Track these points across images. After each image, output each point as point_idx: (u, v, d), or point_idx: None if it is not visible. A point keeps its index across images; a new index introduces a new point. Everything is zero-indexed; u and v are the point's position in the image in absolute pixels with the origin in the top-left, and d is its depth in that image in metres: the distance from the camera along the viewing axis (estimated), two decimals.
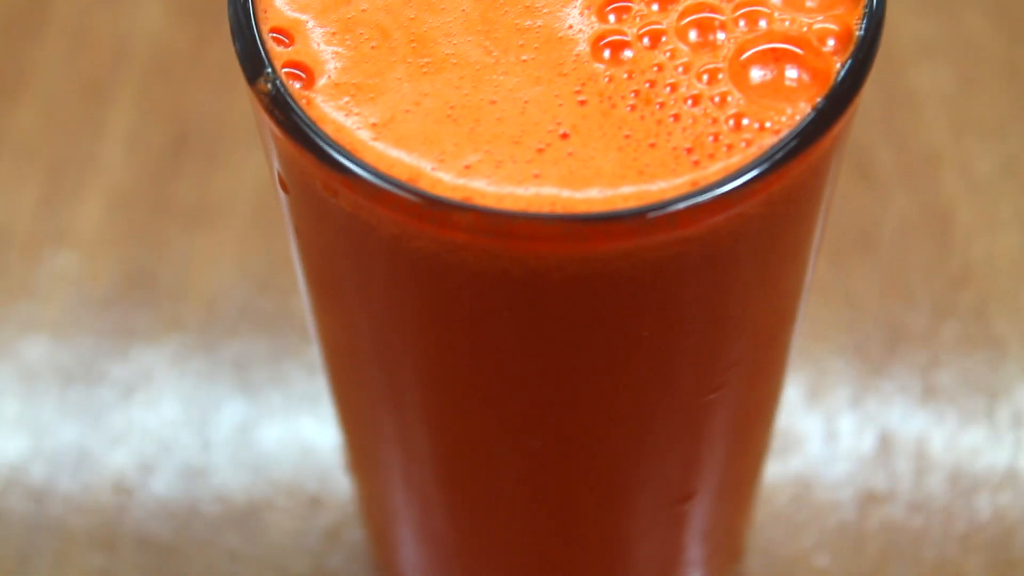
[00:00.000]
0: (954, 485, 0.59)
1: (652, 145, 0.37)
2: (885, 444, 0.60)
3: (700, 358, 0.41)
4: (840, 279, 0.64)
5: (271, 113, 0.37)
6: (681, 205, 0.36)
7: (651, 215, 0.36)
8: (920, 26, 0.72)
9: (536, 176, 0.36)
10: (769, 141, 0.37)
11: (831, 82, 0.37)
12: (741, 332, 0.42)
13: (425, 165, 0.37)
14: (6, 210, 0.68)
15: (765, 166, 0.36)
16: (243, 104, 0.71)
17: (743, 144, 0.37)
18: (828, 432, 0.61)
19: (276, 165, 0.40)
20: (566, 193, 0.36)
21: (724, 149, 0.37)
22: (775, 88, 0.38)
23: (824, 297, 0.64)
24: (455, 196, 0.36)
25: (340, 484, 0.60)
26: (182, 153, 0.69)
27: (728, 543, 0.54)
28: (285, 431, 0.62)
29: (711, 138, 0.37)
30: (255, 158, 0.69)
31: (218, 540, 0.59)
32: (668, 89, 0.38)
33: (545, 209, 0.36)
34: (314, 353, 0.62)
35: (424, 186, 0.36)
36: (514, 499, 0.47)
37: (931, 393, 0.61)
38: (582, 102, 0.37)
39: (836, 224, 0.65)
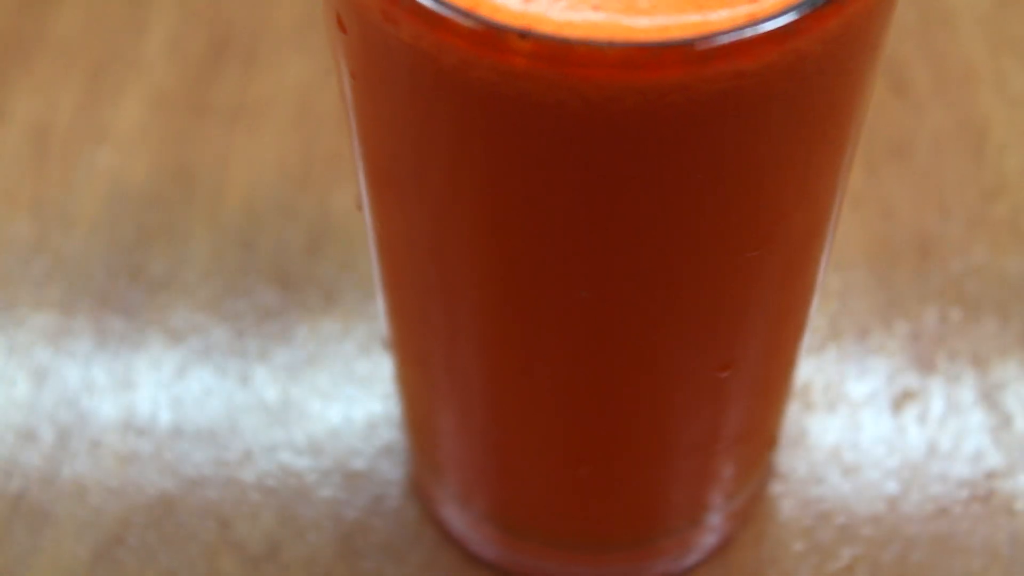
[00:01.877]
0: (986, 385, 0.60)
1: None
2: (917, 345, 0.61)
3: (747, 206, 0.42)
4: (874, 190, 0.65)
5: None
6: (736, 35, 0.36)
7: (705, 44, 0.36)
8: None
9: (595, 6, 0.37)
10: None
11: None
12: (787, 184, 0.42)
13: None
14: (48, 108, 0.69)
15: (819, 2, 0.36)
16: (284, 7, 0.72)
17: None
18: (861, 332, 0.61)
19: (334, 3, 0.40)
20: (624, 22, 0.37)
21: None
22: None
23: (858, 206, 0.64)
24: (515, 23, 0.36)
25: (376, 376, 0.61)
26: (223, 55, 0.70)
27: (762, 428, 0.54)
28: (321, 326, 0.62)
29: None
30: (295, 62, 0.69)
31: (253, 429, 0.60)
32: None
33: (603, 37, 0.36)
34: (352, 250, 0.63)
35: (484, 13, 0.37)
36: (556, 364, 0.48)
37: (963, 299, 0.62)
38: None
39: (870, 135, 0.66)
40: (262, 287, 0.63)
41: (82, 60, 0.70)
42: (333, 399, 0.60)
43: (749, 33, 0.36)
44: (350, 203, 0.65)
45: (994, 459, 0.58)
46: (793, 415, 0.59)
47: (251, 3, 0.72)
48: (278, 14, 0.71)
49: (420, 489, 0.59)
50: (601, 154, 0.39)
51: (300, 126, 0.68)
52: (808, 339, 0.59)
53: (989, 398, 0.59)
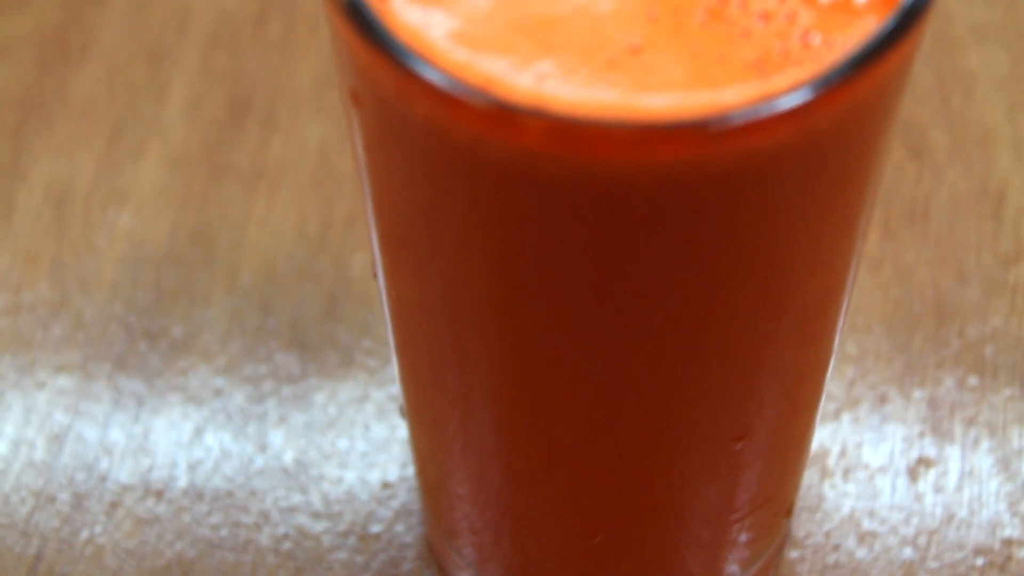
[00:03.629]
0: (1004, 452, 0.59)
1: (722, 60, 0.37)
2: (934, 416, 0.60)
3: (761, 281, 0.42)
4: (892, 254, 0.65)
5: (348, 20, 0.38)
6: (748, 115, 0.36)
7: (717, 124, 0.36)
8: (974, 11, 0.73)
9: (607, 86, 0.37)
10: (837, 57, 0.37)
11: (900, 3, 0.38)
12: (801, 258, 0.42)
13: (498, 72, 0.37)
14: (69, 169, 0.69)
15: (832, 80, 0.37)
16: (304, 70, 0.72)
17: (811, 60, 0.37)
18: (878, 398, 0.61)
19: (349, 78, 0.40)
20: (636, 102, 0.37)
21: (793, 64, 0.37)
22: (845, 6, 0.38)
23: (875, 270, 0.64)
24: (527, 103, 0.37)
25: (392, 440, 0.61)
26: (242, 118, 0.70)
27: (778, 496, 0.54)
28: (339, 389, 0.62)
29: (780, 54, 0.37)
30: (315, 124, 0.70)
31: (270, 491, 0.60)
32: (738, 7, 0.38)
33: (615, 117, 0.36)
34: (370, 313, 0.63)
35: (497, 93, 0.37)
36: (571, 434, 0.48)
37: (981, 365, 0.62)
38: (652, 18, 0.38)
39: (888, 199, 0.66)
40: (280, 350, 0.63)
41: (102, 122, 0.71)
42: (350, 463, 0.61)
43: (762, 113, 0.36)
44: (368, 267, 0.65)
45: (1011, 527, 0.58)
46: (810, 481, 0.59)
47: (270, 64, 0.72)
48: (298, 75, 0.72)
49: (435, 553, 0.59)
50: (614, 230, 0.39)
51: (319, 188, 0.68)
52: (824, 405, 0.59)
53: (1006, 465, 0.59)
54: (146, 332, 0.64)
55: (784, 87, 0.37)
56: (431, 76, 0.37)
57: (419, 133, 0.39)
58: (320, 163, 0.69)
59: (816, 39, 0.38)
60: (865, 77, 0.37)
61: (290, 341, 0.64)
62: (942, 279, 0.64)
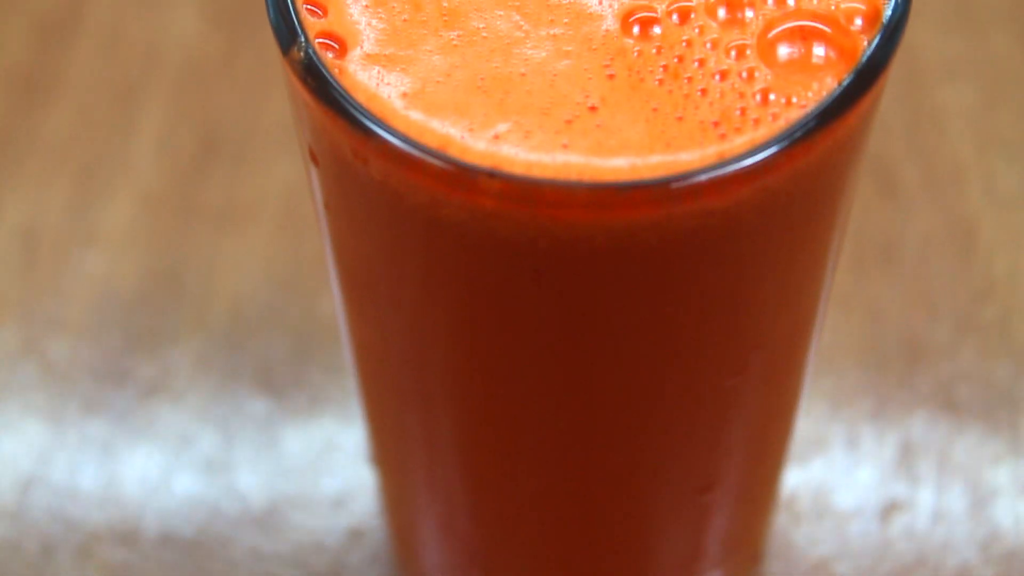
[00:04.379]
0: (975, 497, 0.59)
1: (680, 119, 0.37)
2: (906, 456, 0.60)
3: (723, 337, 0.42)
4: (863, 292, 0.65)
5: (303, 81, 0.38)
6: (707, 175, 0.36)
7: (677, 184, 0.36)
8: (945, 45, 0.73)
9: (564, 146, 0.37)
10: (796, 115, 0.37)
11: (858, 59, 0.38)
12: (764, 312, 0.42)
13: (455, 133, 0.37)
14: (36, 210, 0.69)
15: (791, 139, 0.36)
16: (273, 110, 0.72)
17: (770, 118, 0.37)
18: (850, 443, 0.61)
19: (307, 137, 0.40)
20: (594, 162, 0.37)
21: (751, 123, 0.37)
22: (802, 65, 0.38)
23: (846, 309, 0.64)
24: (484, 163, 0.36)
25: (362, 485, 0.61)
26: (211, 157, 0.70)
27: (747, 543, 0.54)
28: (308, 432, 0.62)
29: (738, 112, 0.37)
30: (283, 163, 0.69)
31: (240, 538, 0.59)
32: (696, 64, 0.38)
33: (573, 178, 0.36)
34: (339, 354, 0.63)
35: (454, 153, 0.37)
36: (537, 484, 0.47)
37: (953, 405, 0.61)
38: (611, 76, 0.38)
39: (858, 237, 0.65)
40: (249, 393, 0.63)
41: (71, 161, 0.70)
42: (319, 509, 0.60)
43: (721, 174, 0.36)
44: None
45: (983, 570, 0.57)
46: (780, 526, 0.58)
47: (240, 102, 0.72)
48: (267, 113, 0.71)
49: None
50: (572, 289, 0.39)
51: (288, 227, 0.68)
52: (794, 448, 0.58)
53: (978, 508, 0.59)
54: (114, 374, 0.64)
55: (743, 147, 0.37)
56: (388, 137, 0.37)
57: (377, 192, 0.39)
58: (289, 202, 0.68)
59: (773, 97, 0.37)
60: (825, 135, 0.37)
61: (259, 383, 0.63)
62: (913, 317, 0.64)
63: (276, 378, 0.63)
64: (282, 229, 0.67)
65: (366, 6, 0.39)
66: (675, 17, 0.39)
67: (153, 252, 0.67)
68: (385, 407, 0.50)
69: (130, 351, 0.64)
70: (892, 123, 0.69)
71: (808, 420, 0.61)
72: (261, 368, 0.64)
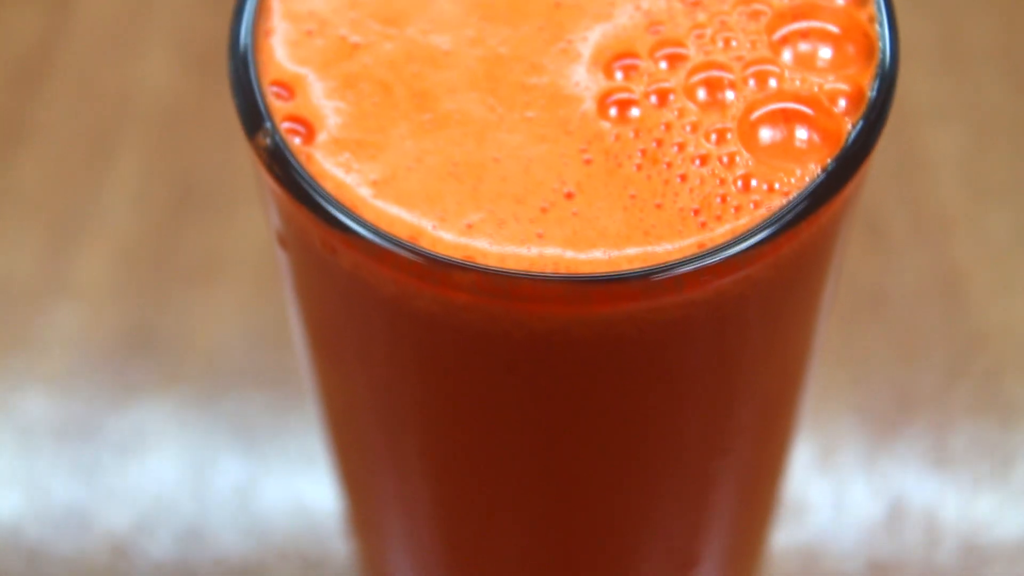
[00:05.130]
0: (966, 555, 0.58)
1: (658, 206, 0.36)
2: (896, 512, 0.59)
3: (707, 423, 0.40)
4: (851, 341, 0.63)
5: (270, 168, 0.36)
6: (687, 268, 0.35)
7: (656, 277, 0.35)
8: (935, 87, 0.72)
9: (539, 236, 0.36)
10: (778, 203, 0.36)
11: (842, 143, 0.37)
12: (748, 396, 0.41)
13: (426, 223, 0.36)
14: (8, 261, 0.67)
15: (774, 228, 0.35)
16: (248, 158, 0.70)
17: (751, 205, 0.36)
18: (837, 499, 0.60)
19: (275, 221, 0.39)
20: (570, 254, 0.35)
21: (732, 210, 0.36)
22: (785, 149, 0.37)
23: (835, 360, 0.63)
24: (456, 256, 0.35)
25: (339, 547, 0.59)
26: (186, 207, 0.69)
27: None
28: (285, 491, 0.61)
29: (719, 199, 0.36)
30: (260, 213, 0.68)
31: None
32: (675, 149, 0.37)
33: (548, 270, 0.35)
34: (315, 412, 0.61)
35: (425, 245, 0.35)
36: (516, 564, 0.46)
37: (943, 459, 0.60)
38: (587, 161, 0.37)
39: (847, 285, 0.64)
40: (226, 450, 0.62)
41: (43, 212, 0.69)
42: (297, 569, 0.59)
43: (701, 265, 0.35)
44: None
45: None
46: None
47: (215, 150, 0.71)
48: (242, 163, 0.70)
49: None
50: (549, 380, 0.38)
51: (265, 279, 0.66)
52: (783, 508, 0.57)
53: (973, 560, 0.58)
54: (84, 432, 0.62)
55: (724, 237, 0.35)
56: (357, 229, 0.35)
57: (347, 281, 0.37)
58: (266, 253, 0.67)
59: (755, 183, 0.36)
60: (809, 223, 0.36)
61: (236, 440, 0.62)
62: (902, 369, 0.63)
63: (253, 435, 0.62)
64: (259, 281, 0.66)
65: (335, 87, 0.38)
66: (653, 99, 0.37)
67: (127, 304, 0.66)
68: (358, 480, 0.48)
69: (104, 407, 0.63)
70: (879, 168, 0.68)
71: (795, 476, 0.60)
72: (238, 424, 0.62)
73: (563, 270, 0.35)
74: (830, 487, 0.60)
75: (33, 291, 0.67)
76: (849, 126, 0.37)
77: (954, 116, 0.71)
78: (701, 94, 0.37)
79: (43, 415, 0.63)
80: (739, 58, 0.38)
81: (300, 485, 0.61)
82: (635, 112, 0.37)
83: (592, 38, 0.38)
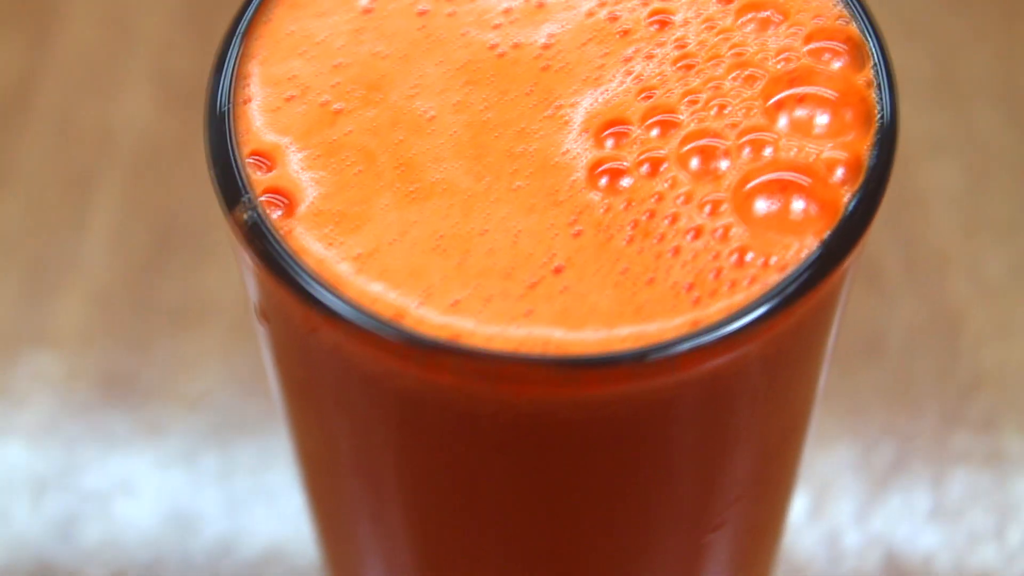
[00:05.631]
0: None
1: (651, 281, 0.35)
2: (891, 565, 0.58)
3: (700, 498, 0.39)
4: (845, 387, 0.62)
5: (249, 244, 0.35)
6: (681, 348, 0.34)
7: (650, 359, 0.33)
8: (929, 122, 0.70)
9: (528, 314, 0.34)
10: (774, 278, 0.35)
11: (840, 215, 0.35)
12: (742, 469, 0.40)
13: (410, 301, 0.34)
14: None
15: (770, 306, 0.34)
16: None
17: (746, 281, 0.35)
18: (832, 553, 0.58)
19: (253, 295, 0.37)
20: (559, 333, 0.34)
21: (726, 286, 0.35)
22: (781, 221, 0.35)
23: (828, 406, 0.61)
24: (441, 336, 0.34)
25: None
26: (167, 250, 0.67)
27: None
28: (268, 545, 0.59)
29: (713, 274, 0.35)
30: None
31: None
32: (668, 221, 0.35)
33: (537, 351, 0.34)
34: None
35: (409, 324, 0.34)
36: None
37: (939, 510, 0.59)
38: (577, 233, 0.35)
39: (840, 328, 0.63)
40: (208, 503, 0.60)
41: (20, 255, 0.68)
42: None
43: (694, 344, 0.34)
44: None
45: None
46: None
47: (196, 193, 0.69)
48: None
49: None
50: (536, 460, 0.37)
51: (247, 326, 0.65)
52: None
53: None
54: (61, 485, 0.61)
55: (718, 314, 0.34)
56: (338, 309, 0.34)
57: (328, 358, 0.36)
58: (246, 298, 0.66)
59: (750, 257, 0.35)
60: (806, 299, 0.35)
61: (218, 494, 0.61)
62: (898, 414, 0.62)
63: (236, 487, 0.61)
64: (243, 326, 0.65)
65: (317, 156, 0.37)
66: (645, 168, 0.36)
67: (107, 352, 0.64)
68: (342, 550, 0.47)
69: (83, 459, 0.62)
70: None
71: (789, 528, 0.59)
72: (221, 475, 0.61)
73: (552, 350, 0.34)
74: (825, 540, 0.59)
75: (9, 338, 0.65)
76: (847, 196, 0.36)
77: (949, 152, 0.69)
78: (694, 163, 0.36)
79: (21, 466, 0.62)
80: (733, 125, 0.37)
81: (284, 539, 0.59)
82: (626, 182, 0.36)
83: (582, 104, 0.37)
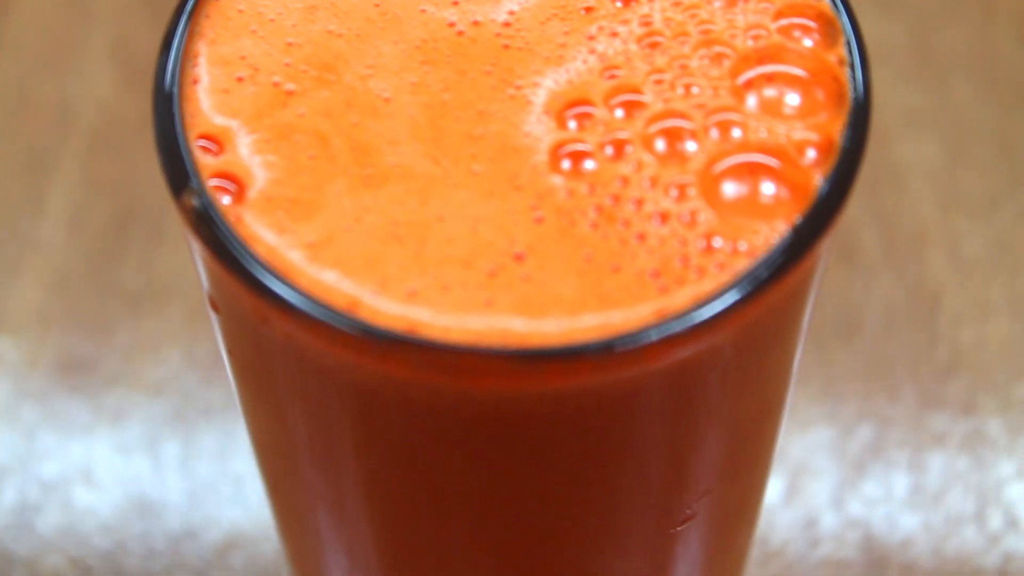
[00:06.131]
0: None
1: (615, 268, 0.33)
2: (869, 549, 0.57)
3: (670, 490, 0.38)
4: (821, 368, 0.61)
5: (197, 231, 0.34)
6: (647, 338, 0.32)
7: (615, 349, 0.32)
8: (906, 96, 0.69)
9: (488, 303, 0.33)
10: (743, 265, 0.33)
11: (811, 199, 0.34)
12: (713, 459, 0.38)
13: (365, 291, 0.33)
14: None
15: (739, 293, 0.33)
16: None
17: (715, 268, 0.33)
18: (809, 537, 0.57)
19: (204, 283, 0.36)
20: (520, 324, 0.33)
21: (694, 273, 0.33)
22: (750, 205, 0.34)
23: (804, 387, 0.60)
24: (397, 327, 0.32)
25: None
26: (127, 231, 0.66)
27: None
28: (231, 532, 0.58)
29: (680, 261, 0.33)
30: None
31: None
32: (633, 205, 0.34)
33: (497, 342, 0.32)
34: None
35: (363, 315, 0.33)
36: None
37: (918, 493, 0.58)
38: (539, 219, 0.34)
39: (816, 307, 0.62)
40: (170, 493, 0.59)
41: None
42: None
43: (661, 335, 0.32)
44: None
45: None
46: None
47: (156, 172, 0.67)
48: None
49: None
50: (498, 454, 0.35)
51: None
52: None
53: None
54: (20, 472, 0.60)
55: (686, 303, 0.33)
56: (289, 299, 0.33)
57: (280, 350, 0.35)
58: None
59: (719, 243, 0.34)
60: (776, 287, 0.33)
61: (180, 481, 0.59)
62: (875, 394, 0.61)
63: (199, 475, 0.59)
64: (205, 310, 0.63)
65: (268, 140, 0.35)
66: (609, 150, 0.35)
67: (66, 336, 0.63)
68: (302, 545, 0.46)
69: (38, 448, 0.60)
70: None
71: (765, 512, 0.57)
72: (182, 464, 0.60)
73: (513, 342, 0.32)
74: (801, 524, 0.58)
75: None
76: (819, 180, 0.34)
77: (926, 126, 0.68)
78: (660, 145, 0.35)
79: None
80: (701, 106, 0.35)
81: (244, 525, 0.58)
82: (589, 165, 0.35)
83: (543, 84, 0.36)
